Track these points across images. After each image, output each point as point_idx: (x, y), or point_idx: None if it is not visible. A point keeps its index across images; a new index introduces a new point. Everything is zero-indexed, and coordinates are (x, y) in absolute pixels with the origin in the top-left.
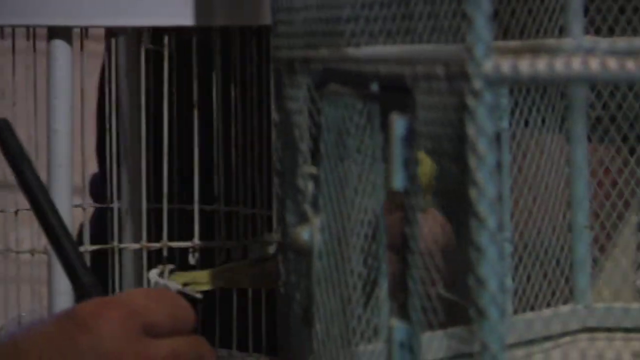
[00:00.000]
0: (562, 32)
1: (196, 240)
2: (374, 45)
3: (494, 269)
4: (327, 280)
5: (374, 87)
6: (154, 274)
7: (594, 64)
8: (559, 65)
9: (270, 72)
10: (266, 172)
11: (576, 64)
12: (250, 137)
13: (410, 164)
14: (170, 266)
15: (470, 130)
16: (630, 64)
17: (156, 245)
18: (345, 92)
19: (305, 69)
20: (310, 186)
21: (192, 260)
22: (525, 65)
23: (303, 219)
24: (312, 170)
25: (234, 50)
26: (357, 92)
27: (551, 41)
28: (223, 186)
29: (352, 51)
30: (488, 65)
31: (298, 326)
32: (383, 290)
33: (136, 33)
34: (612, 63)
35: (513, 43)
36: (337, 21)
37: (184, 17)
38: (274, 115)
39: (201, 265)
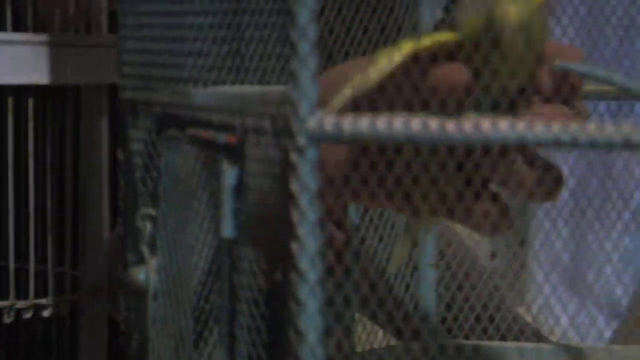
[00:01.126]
0: None
1: None
2: (209, 95)
3: (313, 322)
4: (162, 320)
5: (209, 135)
6: None
7: (415, 125)
8: (381, 124)
9: (65, 131)
10: (57, 228)
11: (397, 123)
12: (43, 193)
13: (239, 213)
14: None
15: (293, 186)
16: (450, 126)
17: None
18: (183, 138)
19: (147, 111)
20: (148, 227)
21: None
22: (347, 124)
23: (141, 259)
24: (151, 211)
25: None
26: (193, 139)
27: None
28: (14, 242)
29: (188, 98)
30: (312, 123)
31: None
32: (215, 333)
33: None
34: (434, 124)
35: None
36: (176, 67)
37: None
38: (119, 155)
39: None
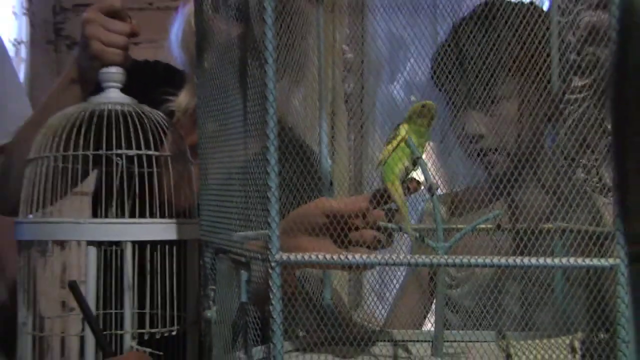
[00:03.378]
0: None
1: None
2: (237, 236)
3: (279, 328)
4: (218, 333)
5: (237, 257)
6: None
7: (321, 256)
8: (306, 256)
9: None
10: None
11: (312, 256)
12: (164, 293)
13: (248, 291)
14: None
15: (269, 281)
16: (340, 256)
17: None
18: (226, 258)
19: (210, 245)
20: (212, 293)
21: None
22: (292, 257)
23: (209, 307)
24: (213, 287)
25: None
26: (230, 258)
27: None
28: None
29: (229, 238)
30: (278, 256)
31: (207, 354)
32: (240, 338)
33: None
34: (331, 255)
35: None
36: (222, 225)
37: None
38: (201, 261)
39: None
